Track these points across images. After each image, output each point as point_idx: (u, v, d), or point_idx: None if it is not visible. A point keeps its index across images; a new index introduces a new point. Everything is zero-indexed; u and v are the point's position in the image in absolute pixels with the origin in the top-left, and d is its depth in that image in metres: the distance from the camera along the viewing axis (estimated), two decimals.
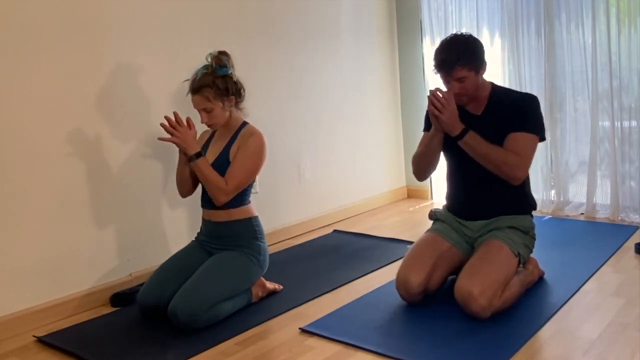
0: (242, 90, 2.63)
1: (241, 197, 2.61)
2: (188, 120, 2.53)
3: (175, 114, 2.51)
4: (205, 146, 2.68)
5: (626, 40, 3.50)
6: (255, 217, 2.68)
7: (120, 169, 2.88)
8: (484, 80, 2.54)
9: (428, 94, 2.43)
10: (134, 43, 2.90)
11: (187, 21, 3.14)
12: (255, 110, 3.52)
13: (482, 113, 2.53)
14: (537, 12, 3.81)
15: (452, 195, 2.68)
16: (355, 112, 4.24)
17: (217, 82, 2.50)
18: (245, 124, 2.66)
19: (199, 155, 2.51)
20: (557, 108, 3.84)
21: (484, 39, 4.05)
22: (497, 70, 4.04)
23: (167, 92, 3.05)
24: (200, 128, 2.68)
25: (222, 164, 2.57)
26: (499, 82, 3.99)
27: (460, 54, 2.38)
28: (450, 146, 2.52)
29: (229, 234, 2.61)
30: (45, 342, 2.42)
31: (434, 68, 2.45)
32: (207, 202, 2.62)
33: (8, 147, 2.50)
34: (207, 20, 3.24)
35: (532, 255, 2.70)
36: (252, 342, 2.30)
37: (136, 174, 2.95)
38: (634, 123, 3.57)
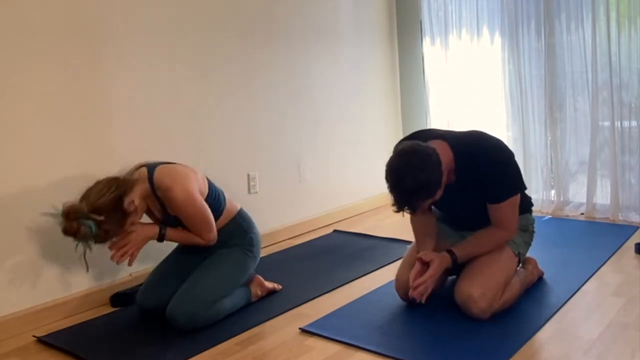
0: (114, 197, 2.24)
1: (216, 208, 2.53)
2: (123, 229, 2.33)
3: (111, 246, 2.32)
4: (150, 214, 2.51)
5: (626, 40, 3.50)
6: (239, 212, 2.64)
7: (120, 169, 2.88)
8: (445, 153, 2.27)
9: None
10: (133, 43, 2.90)
11: (187, 21, 3.14)
12: (255, 110, 3.54)
13: (455, 181, 2.36)
14: (537, 12, 3.81)
15: (446, 218, 2.65)
16: (355, 112, 4.24)
17: (107, 230, 2.22)
18: (151, 178, 2.36)
19: (163, 235, 2.42)
20: (557, 108, 3.84)
21: (484, 39, 4.06)
22: (497, 70, 4.04)
23: (167, 92, 3.05)
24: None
25: (177, 223, 2.45)
26: (499, 82, 4.01)
27: (416, 199, 2.18)
28: (441, 207, 2.52)
29: (221, 238, 2.56)
30: (45, 342, 2.42)
31: (393, 207, 2.22)
32: None
33: (8, 147, 2.49)
34: (207, 20, 3.24)
35: (531, 254, 2.70)
36: (252, 342, 2.30)
37: None
38: (634, 123, 3.57)
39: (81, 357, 2.26)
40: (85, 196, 2.24)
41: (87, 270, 2.49)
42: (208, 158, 3.27)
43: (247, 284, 2.66)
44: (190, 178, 2.41)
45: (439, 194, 2.23)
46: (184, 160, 2.83)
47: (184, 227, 2.46)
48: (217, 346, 2.28)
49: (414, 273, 2.35)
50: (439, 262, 2.33)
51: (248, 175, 3.51)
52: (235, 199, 2.78)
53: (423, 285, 2.30)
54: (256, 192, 3.56)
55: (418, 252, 2.44)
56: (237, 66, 3.42)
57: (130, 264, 2.39)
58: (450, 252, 2.37)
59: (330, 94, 4.04)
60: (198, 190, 2.42)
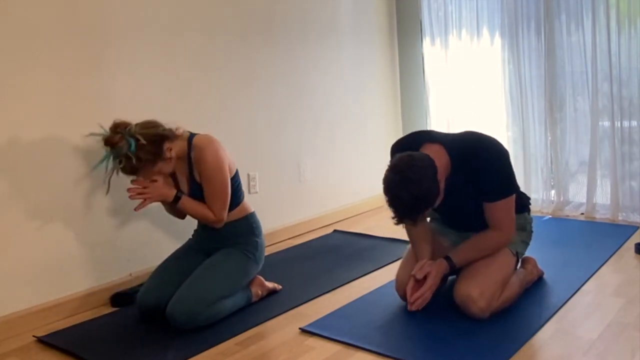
0: (160, 133, 2.37)
1: (234, 200, 2.58)
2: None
3: (133, 187, 2.40)
4: (174, 179, 2.59)
5: (626, 41, 3.50)
6: (252, 214, 2.68)
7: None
8: (440, 157, 2.27)
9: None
10: (134, 43, 2.90)
11: (187, 22, 3.14)
12: (255, 110, 3.54)
13: (452, 184, 2.34)
14: (537, 12, 3.81)
15: (444, 219, 2.65)
16: (355, 111, 4.24)
17: (140, 158, 2.30)
18: (191, 140, 2.48)
19: (178, 198, 2.47)
20: (557, 108, 3.84)
21: (484, 39, 4.06)
22: (497, 70, 4.04)
23: (167, 92, 3.05)
24: None
25: (197, 192, 2.51)
26: (499, 82, 4.01)
27: (415, 213, 2.19)
28: (438, 208, 2.45)
29: (227, 234, 2.61)
30: (45, 342, 2.42)
31: (392, 219, 2.24)
32: None
33: (8, 147, 2.49)
34: (207, 20, 3.24)
35: (531, 254, 2.70)
36: (252, 342, 2.30)
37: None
38: (634, 123, 3.57)
39: (81, 357, 2.26)
40: (137, 123, 2.36)
41: (107, 192, 2.49)
42: None
43: (248, 284, 2.66)
44: (224, 149, 2.51)
45: (437, 201, 2.24)
46: None
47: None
48: (217, 346, 2.28)
49: (410, 288, 2.36)
50: (435, 272, 2.34)
51: (248, 175, 3.51)
52: None
53: (421, 299, 2.33)
54: (256, 192, 3.56)
55: (416, 258, 2.45)
56: (238, 67, 3.42)
57: (137, 209, 2.43)
58: (447, 258, 2.37)
59: (331, 94, 4.04)
60: (227, 164, 2.50)
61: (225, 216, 2.54)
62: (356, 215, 4.23)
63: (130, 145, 2.27)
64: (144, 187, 2.40)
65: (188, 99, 3.17)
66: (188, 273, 2.53)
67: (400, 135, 4.62)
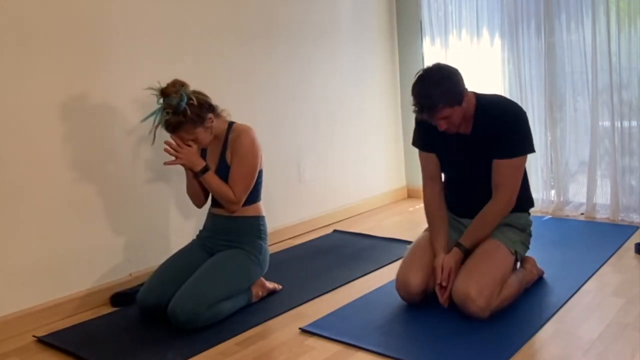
0: (209, 102, 2.55)
1: (252, 196, 2.64)
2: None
3: (174, 138, 2.51)
4: (204, 157, 2.66)
5: (626, 40, 3.50)
6: (262, 217, 2.70)
7: (120, 169, 2.88)
8: (469, 100, 2.42)
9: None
10: (134, 44, 2.90)
11: (187, 22, 3.14)
12: (255, 110, 3.54)
13: (470, 132, 2.46)
14: (537, 12, 3.80)
15: (449, 195, 2.68)
16: (355, 112, 4.24)
17: (187, 116, 2.44)
18: (231, 125, 2.64)
19: (205, 170, 2.54)
20: (557, 108, 3.84)
21: (484, 39, 4.06)
22: (497, 70, 4.04)
23: None
24: None
25: (223, 173, 2.58)
26: (499, 82, 4.01)
27: (439, 97, 2.28)
28: (448, 167, 2.58)
29: (235, 229, 2.62)
30: (45, 342, 2.42)
31: (414, 110, 2.35)
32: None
33: (8, 147, 2.50)
34: (207, 20, 3.24)
35: (531, 254, 2.70)
36: (252, 342, 2.31)
37: (136, 174, 2.95)
38: (634, 123, 3.57)
39: (81, 357, 2.27)
40: (193, 89, 2.53)
41: (153, 143, 2.57)
42: None
43: None
44: (260, 145, 2.63)
45: (458, 113, 2.33)
46: None
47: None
48: (217, 346, 2.28)
49: (439, 291, 2.43)
50: (454, 265, 2.42)
51: None
52: None
53: (447, 294, 2.41)
54: None
55: (431, 242, 2.52)
56: (237, 67, 3.42)
57: (166, 163, 2.55)
58: (458, 245, 2.46)
59: (331, 94, 4.03)
60: (260, 156, 2.62)
61: (243, 201, 2.59)
62: (356, 215, 4.23)
63: (182, 99, 2.42)
64: (179, 147, 2.50)
65: None
66: (190, 272, 2.53)
67: (401, 135, 4.64)
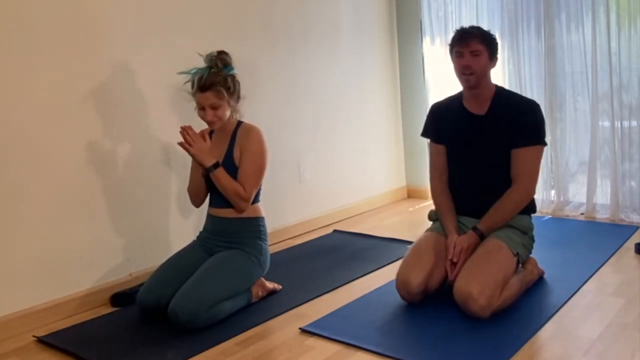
0: (240, 90, 2.64)
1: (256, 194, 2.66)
2: (203, 133, 2.57)
3: (190, 128, 2.53)
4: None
5: (626, 40, 3.50)
6: (262, 218, 2.70)
7: (120, 169, 2.88)
8: (490, 80, 2.57)
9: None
10: (134, 43, 2.90)
11: (186, 21, 3.14)
12: (255, 110, 3.53)
13: (486, 113, 2.56)
14: (537, 12, 3.80)
15: (453, 192, 2.68)
16: (355, 112, 4.24)
17: (227, 81, 2.53)
18: (240, 123, 2.67)
19: (216, 166, 2.54)
20: (557, 108, 3.84)
21: None
22: (497, 70, 4.03)
23: (167, 92, 3.05)
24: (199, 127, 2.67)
25: (228, 169, 2.58)
26: (499, 82, 4.00)
27: (481, 32, 2.51)
28: (454, 160, 2.62)
29: (235, 230, 2.62)
30: (45, 342, 2.42)
31: (451, 43, 2.53)
32: (219, 201, 2.63)
33: (8, 147, 2.50)
34: (207, 20, 3.24)
35: (532, 255, 2.70)
36: (252, 342, 2.31)
37: (136, 174, 2.95)
38: (634, 123, 3.57)
39: (81, 357, 2.27)
40: None
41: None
42: None
43: None
44: (266, 146, 2.68)
45: (484, 60, 2.48)
46: (184, 160, 2.83)
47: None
48: (217, 346, 2.28)
49: (449, 267, 2.48)
50: (467, 245, 2.47)
51: None
52: None
53: (456, 270, 2.44)
54: None
55: (444, 227, 2.58)
56: (237, 67, 3.40)
57: (179, 144, 2.53)
58: (475, 229, 2.51)
59: (331, 94, 4.03)
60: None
61: (252, 198, 2.60)
62: (356, 215, 4.23)
63: (231, 68, 2.56)
64: (193, 136, 2.52)
65: (187, 99, 3.16)
66: (190, 273, 2.53)
67: (401, 135, 4.64)
